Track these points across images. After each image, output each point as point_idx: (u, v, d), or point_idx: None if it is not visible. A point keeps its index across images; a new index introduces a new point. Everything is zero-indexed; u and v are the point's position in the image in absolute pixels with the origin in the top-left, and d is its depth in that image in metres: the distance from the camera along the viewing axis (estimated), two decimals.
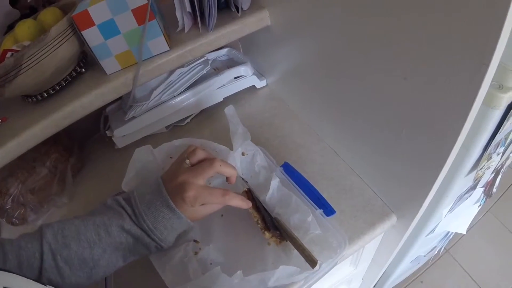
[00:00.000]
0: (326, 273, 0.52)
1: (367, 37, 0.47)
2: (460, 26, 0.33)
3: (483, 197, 0.97)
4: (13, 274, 0.33)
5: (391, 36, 0.42)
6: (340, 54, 0.55)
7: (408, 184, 0.55)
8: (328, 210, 0.57)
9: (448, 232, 1.11)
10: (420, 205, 0.55)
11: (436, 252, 1.31)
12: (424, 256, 1.26)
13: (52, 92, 0.62)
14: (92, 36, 0.57)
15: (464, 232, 0.99)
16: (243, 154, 0.62)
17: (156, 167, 0.57)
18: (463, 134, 0.40)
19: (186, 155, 0.51)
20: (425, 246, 1.11)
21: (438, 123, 0.42)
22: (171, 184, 0.48)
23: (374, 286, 1.32)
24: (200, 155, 0.51)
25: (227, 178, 0.53)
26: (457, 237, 1.58)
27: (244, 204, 0.53)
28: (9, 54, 0.58)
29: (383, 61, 0.46)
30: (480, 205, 1.01)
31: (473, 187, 0.80)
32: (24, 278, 0.34)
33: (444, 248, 1.49)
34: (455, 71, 0.36)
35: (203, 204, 0.49)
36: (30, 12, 0.75)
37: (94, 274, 0.45)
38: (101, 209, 0.49)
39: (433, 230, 0.92)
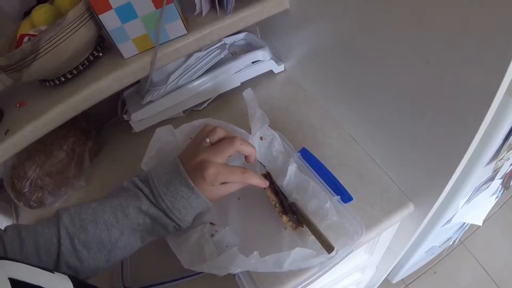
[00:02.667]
0: (341, 260, 0.52)
1: (389, 19, 0.45)
2: (488, 11, 0.32)
3: (501, 189, 0.96)
4: (17, 263, 0.32)
5: (415, 18, 0.41)
6: (360, 37, 0.53)
7: (427, 172, 0.54)
8: (346, 197, 0.56)
9: (464, 223, 1.09)
10: (439, 194, 0.54)
11: (451, 243, 1.29)
12: (439, 246, 1.25)
13: (69, 76, 0.63)
14: (109, 20, 0.57)
15: (480, 224, 0.98)
16: (261, 138, 0.61)
17: (176, 148, 0.57)
18: (485, 123, 0.39)
19: (206, 133, 0.51)
20: (440, 236, 1.10)
21: (461, 109, 0.41)
22: (190, 163, 0.48)
23: (388, 275, 1.32)
24: (220, 133, 0.51)
25: (246, 157, 0.53)
26: (472, 228, 1.56)
27: (263, 182, 0.52)
28: (26, 38, 0.58)
29: (406, 44, 0.44)
30: (497, 197, 1.00)
31: (492, 178, 0.79)
32: (30, 266, 0.33)
33: (459, 239, 1.48)
34: (480, 56, 0.35)
35: (222, 184, 0.49)
36: None
37: (112, 257, 0.46)
38: (118, 191, 0.49)
39: (449, 221, 0.91)
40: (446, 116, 0.44)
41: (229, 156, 0.50)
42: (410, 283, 1.51)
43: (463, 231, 1.25)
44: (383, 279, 1.20)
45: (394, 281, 1.44)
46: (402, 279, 1.50)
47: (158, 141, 0.57)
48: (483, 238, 1.57)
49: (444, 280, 1.50)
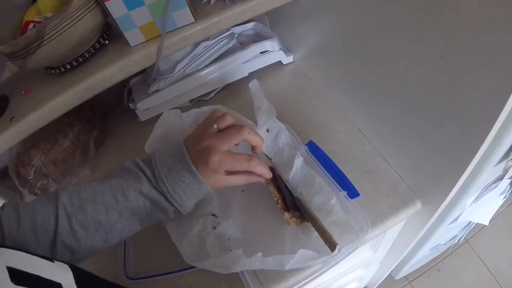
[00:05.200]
0: (345, 257, 0.51)
1: (402, 11, 0.44)
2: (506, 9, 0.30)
3: (509, 188, 0.94)
4: (16, 251, 0.32)
5: (428, 11, 0.40)
6: (372, 30, 0.52)
7: (437, 170, 0.53)
8: (352, 193, 0.55)
9: (470, 222, 1.08)
10: (448, 193, 0.53)
11: (456, 241, 1.28)
12: (444, 244, 1.24)
13: (75, 64, 0.62)
14: (115, 7, 0.56)
15: (487, 224, 0.97)
16: (267, 130, 0.61)
17: (181, 132, 0.57)
18: (499, 122, 0.38)
19: (214, 119, 0.50)
20: (446, 234, 1.09)
21: (474, 108, 0.40)
22: (195, 149, 0.47)
23: (391, 271, 1.31)
24: (228, 120, 0.50)
25: (253, 148, 0.52)
26: (478, 227, 1.54)
27: (267, 173, 0.51)
28: (31, 25, 0.57)
29: (420, 37, 0.43)
30: (505, 196, 0.98)
31: (501, 178, 0.77)
32: (29, 255, 0.32)
33: (464, 237, 1.46)
34: (495, 54, 0.33)
35: (227, 174, 0.48)
36: None
37: (110, 238, 0.45)
38: (119, 171, 0.48)
39: (456, 219, 0.89)
40: (458, 115, 0.43)
41: (236, 144, 0.49)
42: (413, 280, 1.51)
43: (469, 230, 1.24)
44: (386, 275, 1.20)
45: (397, 278, 1.43)
46: (405, 276, 1.49)
47: (165, 123, 0.57)
48: (488, 237, 1.55)
49: (447, 278, 1.49)
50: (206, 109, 0.58)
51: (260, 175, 0.51)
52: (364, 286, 1.38)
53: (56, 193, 0.44)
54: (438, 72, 0.42)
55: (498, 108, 0.36)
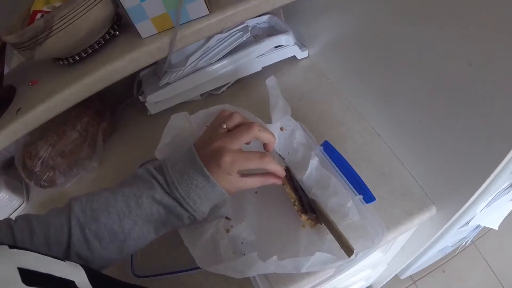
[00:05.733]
0: (359, 262, 0.50)
1: (427, 9, 0.42)
2: None
3: None
4: (27, 251, 0.31)
5: (457, 11, 0.37)
6: (393, 27, 0.50)
7: (455, 177, 0.51)
8: (368, 197, 0.53)
9: (479, 225, 1.07)
10: (466, 200, 0.52)
11: (464, 243, 1.27)
12: (451, 246, 1.23)
13: (84, 55, 0.61)
14: None
15: (496, 228, 0.95)
16: (281, 129, 0.59)
17: (191, 135, 0.55)
18: None
19: (223, 119, 0.48)
20: (455, 237, 1.08)
21: (503, 115, 0.38)
22: (206, 151, 0.46)
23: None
24: (237, 119, 0.49)
25: (265, 146, 0.50)
26: (485, 230, 1.53)
27: (281, 171, 0.50)
28: (39, 15, 0.56)
29: (445, 41, 0.41)
30: None
31: None
32: (40, 255, 0.32)
33: (471, 240, 1.45)
34: None
35: (241, 176, 0.47)
36: None
37: (125, 247, 0.44)
38: (131, 179, 0.47)
39: (467, 223, 0.88)
40: (486, 121, 0.41)
41: (246, 144, 0.48)
42: (418, 280, 1.51)
43: (477, 232, 1.23)
44: (393, 275, 1.19)
45: (402, 277, 1.42)
46: (410, 276, 1.49)
47: (173, 128, 0.56)
48: (494, 239, 1.54)
49: (452, 280, 1.49)
50: (213, 109, 0.56)
51: (274, 175, 0.50)
52: (369, 285, 1.38)
53: (68, 204, 0.44)
54: (465, 79, 0.40)
55: None
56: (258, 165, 0.47)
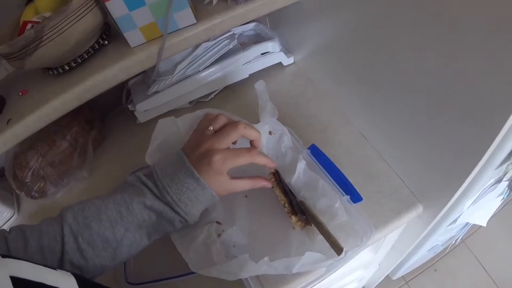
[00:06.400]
0: (349, 260, 0.51)
1: (409, 13, 0.43)
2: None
3: (507, 190, 0.94)
4: (19, 260, 0.32)
5: (439, 15, 0.39)
6: (375, 32, 0.52)
7: (440, 174, 0.53)
8: (355, 197, 0.55)
9: (468, 223, 1.09)
10: (450, 197, 0.53)
11: (453, 242, 1.29)
12: (441, 245, 1.25)
13: (73, 64, 0.61)
14: (116, 7, 0.55)
15: (484, 225, 0.97)
16: (270, 133, 0.60)
17: (179, 139, 0.56)
18: (506, 127, 0.38)
19: (209, 121, 0.50)
20: (444, 235, 1.10)
21: (481, 113, 0.40)
22: (195, 154, 0.47)
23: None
24: (222, 120, 0.50)
25: (252, 142, 0.51)
26: (474, 227, 1.56)
27: (269, 162, 0.51)
28: (29, 25, 0.57)
29: (424, 44, 0.43)
30: (503, 198, 0.99)
31: (499, 180, 0.78)
32: (32, 264, 0.32)
33: (461, 238, 1.47)
34: (501, 60, 0.33)
35: (232, 178, 0.48)
36: None
37: (118, 254, 0.45)
38: (122, 187, 0.48)
39: (455, 221, 0.90)
40: (465, 119, 0.42)
41: (232, 144, 0.49)
42: (410, 280, 1.52)
43: (466, 230, 1.24)
44: (384, 276, 1.20)
45: (394, 278, 1.43)
46: (402, 276, 1.50)
47: (161, 132, 0.56)
48: (484, 237, 1.56)
49: (444, 278, 1.50)
50: (200, 112, 0.57)
51: (263, 178, 0.51)
52: (362, 287, 1.38)
53: (61, 213, 0.45)
54: (444, 80, 0.42)
55: (508, 112, 0.36)
56: (247, 159, 0.48)
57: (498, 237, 1.56)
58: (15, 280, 0.28)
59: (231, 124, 0.49)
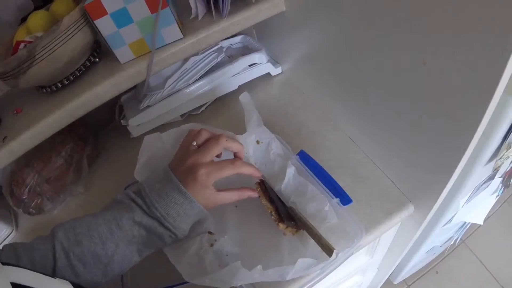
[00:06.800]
0: (342, 262, 0.51)
1: (385, 19, 0.45)
2: (486, 9, 0.31)
3: (501, 187, 0.95)
4: (18, 268, 0.33)
5: (412, 18, 0.41)
6: (356, 38, 0.53)
7: (426, 172, 0.53)
8: (345, 199, 0.56)
9: (465, 222, 1.09)
10: (438, 194, 0.54)
11: (452, 242, 1.29)
12: (440, 246, 1.25)
13: (66, 82, 0.63)
14: (105, 25, 0.57)
15: (481, 223, 0.98)
16: (257, 142, 0.61)
17: (166, 154, 0.57)
18: (484, 122, 0.39)
19: (192, 137, 0.51)
20: (441, 236, 1.10)
21: (459, 109, 0.41)
22: (181, 170, 0.48)
23: (389, 276, 1.31)
24: (205, 135, 0.52)
25: (235, 154, 0.53)
26: (473, 227, 1.56)
27: (256, 171, 0.53)
28: (22, 45, 0.58)
29: (403, 44, 0.44)
30: (498, 195, 0.99)
31: (492, 177, 0.78)
32: (31, 271, 0.33)
33: (460, 238, 1.47)
34: (477, 55, 0.35)
35: (218, 191, 0.49)
36: (43, 3, 0.75)
37: (109, 271, 0.45)
38: (112, 204, 0.49)
39: (450, 221, 0.90)
40: (444, 117, 0.43)
41: (217, 157, 0.50)
42: (412, 283, 1.51)
43: (464, 230, 1.25)
44: (384, 280, 1.20)
45: (396, 282, 1.43)
46: (404, 280, 1.50)
47: (147, 149, 0.58)
48: (484, 236, 1.56)
49: (446, 280, 1.49)
50: (185, 127, 0.59)
51: (249, 188, 0.53)
52: None
53: (52, 230, 0.45)
54: (423, 78, 0.43)
55: (483, 108, 0.37)
56: (231, 171, 0.49)
57: (498, 236, 1.56)
58: (16, 286, 0.29)
59: (213, 138, 0.51)
